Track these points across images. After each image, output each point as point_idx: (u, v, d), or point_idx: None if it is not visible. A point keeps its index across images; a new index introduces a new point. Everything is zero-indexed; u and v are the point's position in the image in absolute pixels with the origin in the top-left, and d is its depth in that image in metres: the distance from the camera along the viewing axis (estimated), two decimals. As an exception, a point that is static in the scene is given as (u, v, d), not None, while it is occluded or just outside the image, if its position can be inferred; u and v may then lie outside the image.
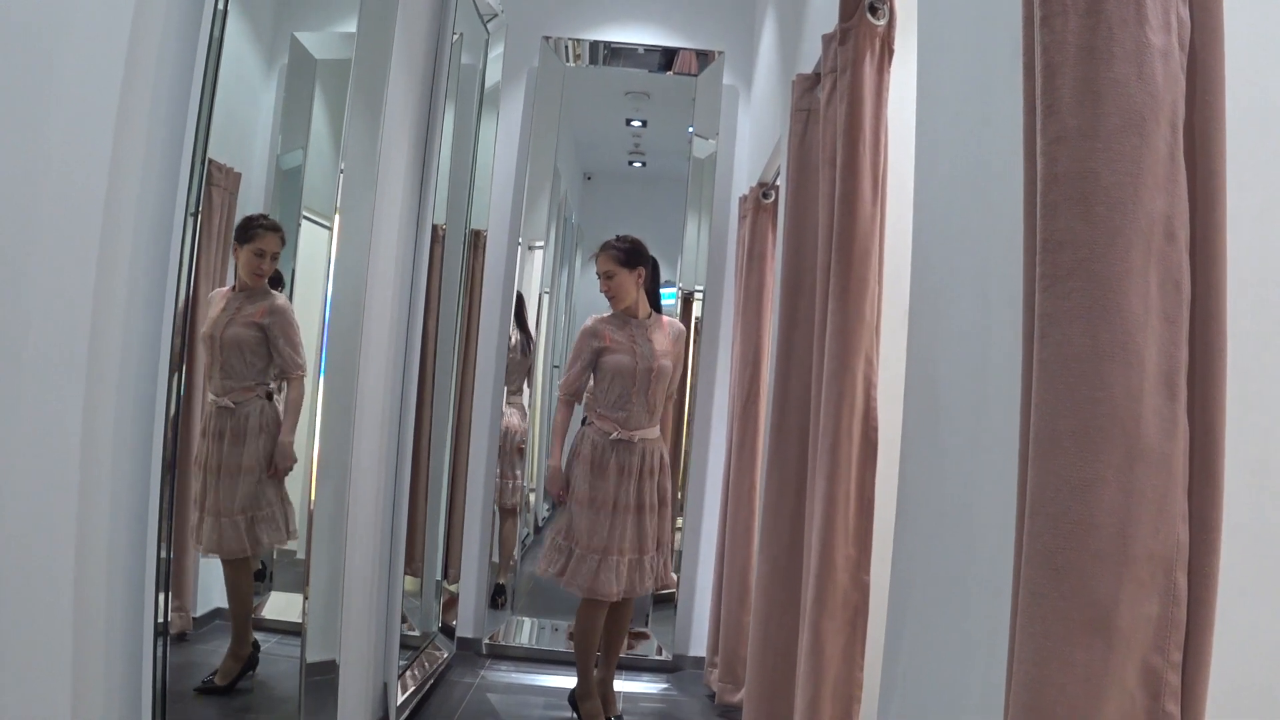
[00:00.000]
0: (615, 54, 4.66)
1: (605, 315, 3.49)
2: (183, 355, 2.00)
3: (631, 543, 3.35)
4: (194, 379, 2.08)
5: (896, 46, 2.06)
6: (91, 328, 1.71)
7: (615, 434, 3.37)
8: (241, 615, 2.37)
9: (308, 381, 2.44)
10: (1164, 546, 0.88)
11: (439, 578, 4.05)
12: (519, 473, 4.52)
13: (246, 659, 2.36)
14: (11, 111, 1.50)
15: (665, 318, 3.59)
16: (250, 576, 2.42)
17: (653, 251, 3.58)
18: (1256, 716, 1.05)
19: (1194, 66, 0.93)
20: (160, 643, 1.98)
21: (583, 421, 3.49)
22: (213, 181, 2.07)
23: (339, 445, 2.57)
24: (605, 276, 3.47)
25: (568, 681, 3.72)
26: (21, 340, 1.55)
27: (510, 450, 4.50)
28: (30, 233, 1.55)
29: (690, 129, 4.60)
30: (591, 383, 3.47)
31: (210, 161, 2.04)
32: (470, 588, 4.45)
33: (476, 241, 4.22)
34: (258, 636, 2.42)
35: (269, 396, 2.37)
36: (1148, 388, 0.88)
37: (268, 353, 2.36)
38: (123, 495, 1.88)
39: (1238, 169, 0.96)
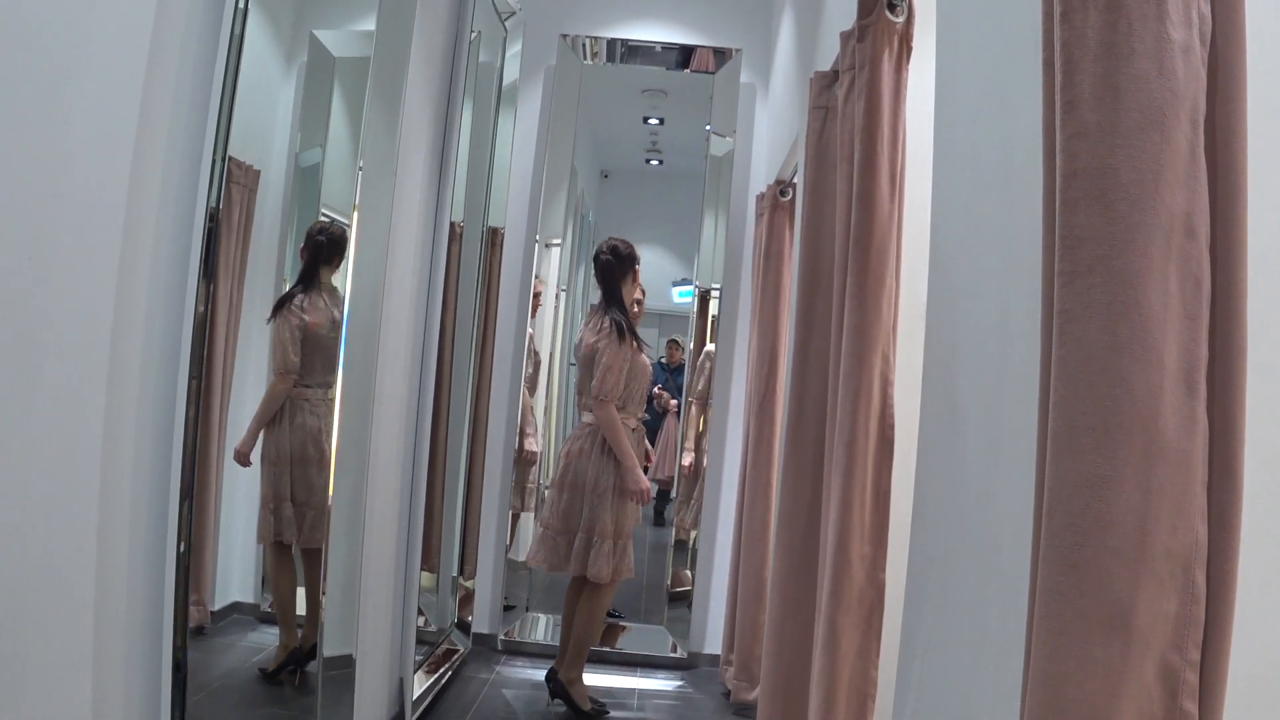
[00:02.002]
0: (632, 52, 4.66)
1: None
2: (203, 350, 2.02)
3: None
4: (213, 374, 2.09)
5: (915, 43, 2.05)
6: (113, 324, 1.73)
7: (635, 427, 3.62)
8: (280, 604, 2.43)
9: (337, 379, 2.49)
10: (1183, 544, 0.87)
11: (455, 574, 4.06)
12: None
13: (292, 649, 2.42)
14: (36, 111, 1.52)
15: None
16: (286, 564, 2.47)
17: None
18: (1275, 715, 1.05)
19: (1215, 62, 0.92)
20: (180, 634, 1.99)
21: None
22: (232, 179, 2.08)
23: (357, 440, 2.58)
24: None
25: (584, 678, 3.73)
26: (45, 337, 1.57)
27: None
28: (54, 229, 1.57)
29: (707, 127, 4.60)
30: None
31: (230, 159, 2.06)
32: (486, 584, 4.47)
33: (494, 239, 4.24)
34: (275, 628, 2.45)
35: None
36: (1167, 384, 0.88)
37: None
38: (143, 489, 1.90)
39: (1259, 165, 0.95)
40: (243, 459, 2.30)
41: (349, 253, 2.49)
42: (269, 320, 2.36)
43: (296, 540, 2.43)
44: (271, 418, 2.36)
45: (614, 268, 3.65)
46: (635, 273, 3.72)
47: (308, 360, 2.46)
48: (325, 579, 2.45)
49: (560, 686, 3.57)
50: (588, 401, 3.56)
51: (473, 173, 3.88)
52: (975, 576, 1.41)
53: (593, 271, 3.76)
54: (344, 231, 2.51)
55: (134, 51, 1.74)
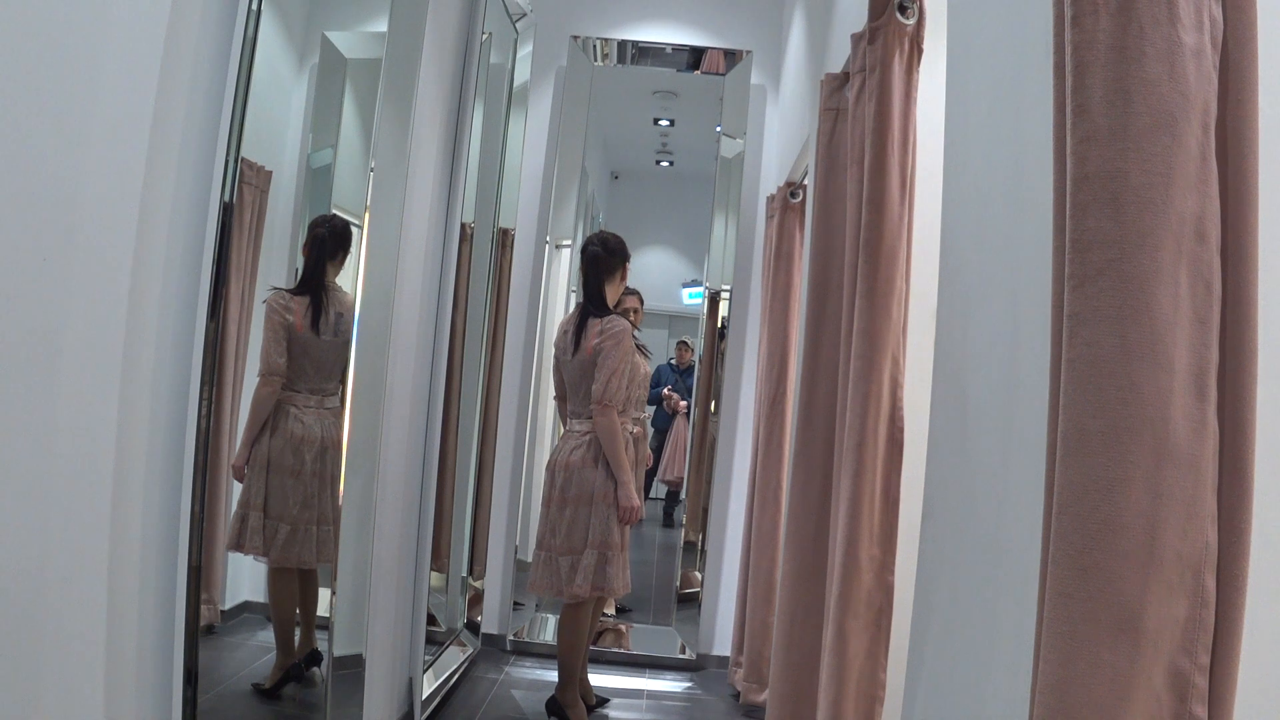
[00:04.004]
0: (643, 53, 4.67)
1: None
2: (215, 354, 2.02)
3: None
4: (224, 380, 2.10)
5: (925, 46, 2.05)
6: (126, 327, 1.74)
7: (634, 430, 3.49)
8: (279, 624, 2.39)
9: (348, 380, 2.47)
10: (1192, 548, 0.87)
11: (465, 574, 4.07)
12: None
13: (289, 667, 2.37)
14: (50, 113, 1.53)
15: None
16: (288, 584, 2.42)
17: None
18: (1286, 721, 1.05)
19: (1226, 66, 0.92)
20: (191, 639, 2.00)
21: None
22: (245, 180, 2.09)
23: (367, 441, 2.59)
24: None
25: (591, 678, 3.73)
26: (59, 340, 1.57)
27: None
28: (68, 233, 1.58)
29: (718, 128, 4.60)
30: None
31: (243, 159, 2.07)
32: (495, 584, 4.48)
33: (504, 240, 4.24)
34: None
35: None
36: (1177, 388, 0.88)
37: None
38: (155, 490, 1.91)
39: (1270, 169, 0.95)
40: (239, 473, 2.24)
41: (360, 254, 2.49)
42: (263, 301, 2.29)
43: (261, 555, 2.31)
44: (262, 425, 2.30)
45: (602, 261, 3.42)
46: (625, 270, 3.48)
47: (296, 364, 2.37)
48: (335, 578, 2.45)
49: (557, 706, 3.44)
50: (579, 409, 3.35)
51: (483, 174, 3.89)
52: (984, 579, 1.41)
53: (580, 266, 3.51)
54: (347, 225, 2.45)
55: (148, 53, 1.75)
